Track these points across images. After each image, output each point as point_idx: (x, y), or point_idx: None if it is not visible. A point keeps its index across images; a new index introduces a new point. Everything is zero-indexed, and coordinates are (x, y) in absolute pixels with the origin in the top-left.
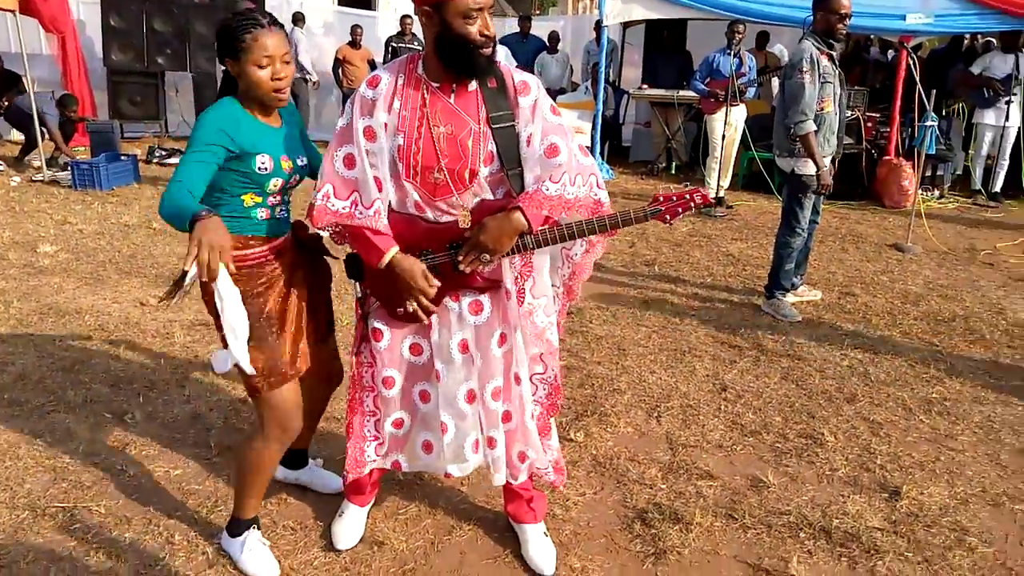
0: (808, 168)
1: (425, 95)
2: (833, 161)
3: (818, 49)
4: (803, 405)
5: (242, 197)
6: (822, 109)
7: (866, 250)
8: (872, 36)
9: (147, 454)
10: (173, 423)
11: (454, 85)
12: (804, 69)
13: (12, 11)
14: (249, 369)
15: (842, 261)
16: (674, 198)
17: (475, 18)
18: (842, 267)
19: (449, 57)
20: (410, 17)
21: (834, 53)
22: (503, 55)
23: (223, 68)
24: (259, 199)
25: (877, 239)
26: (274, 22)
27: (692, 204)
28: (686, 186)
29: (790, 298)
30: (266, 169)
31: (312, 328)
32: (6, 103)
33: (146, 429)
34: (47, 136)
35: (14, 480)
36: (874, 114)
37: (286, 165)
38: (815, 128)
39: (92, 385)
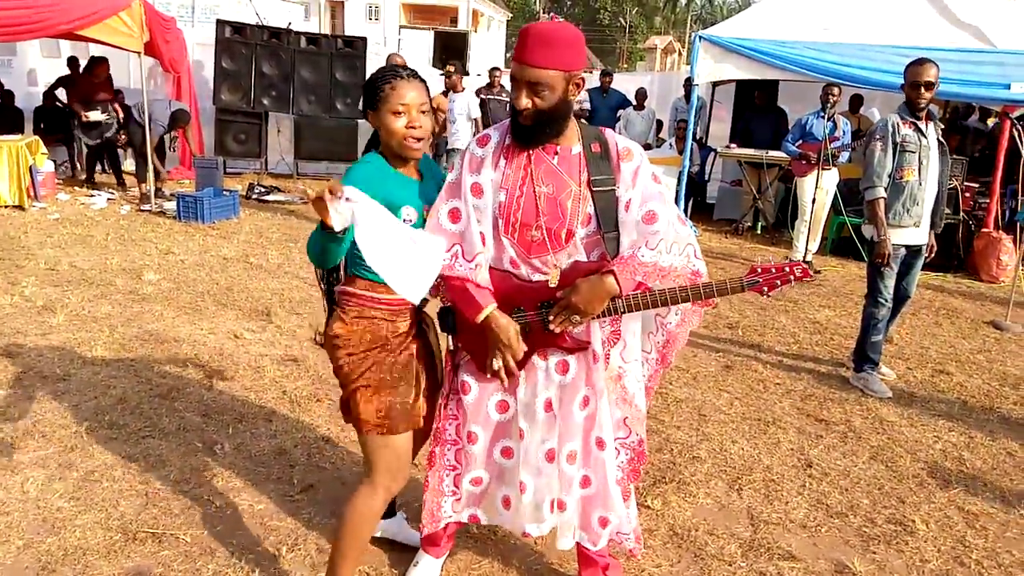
0: (891, 237)
1: (530, 155)
2: (935, 230)
3: (902, 119)
4: (893, 488)
5: None
6: (901, 177)
7: (961, 326)
8: (973, 104)
9: (232, 486)
10: (259, 457)
11: (558, 147)
12: (877, 137)
13: (138, 52)
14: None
15: (935, 336)
16: (773, 270)
17: (516, 88)
18: (935, 343)
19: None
20: (499, 69)
21: (920, 123)
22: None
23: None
24: None
25: (973, 315)
26: (414, 75)
27: (792, 278)
28: (786, 259)
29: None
30: (410, 220)
31: (427, 385)
32: (124, 138)
33: (233, 461)
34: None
35: (109, 502)
36: (972, 184)
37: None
38: (883, 195)
39: (185, 414)
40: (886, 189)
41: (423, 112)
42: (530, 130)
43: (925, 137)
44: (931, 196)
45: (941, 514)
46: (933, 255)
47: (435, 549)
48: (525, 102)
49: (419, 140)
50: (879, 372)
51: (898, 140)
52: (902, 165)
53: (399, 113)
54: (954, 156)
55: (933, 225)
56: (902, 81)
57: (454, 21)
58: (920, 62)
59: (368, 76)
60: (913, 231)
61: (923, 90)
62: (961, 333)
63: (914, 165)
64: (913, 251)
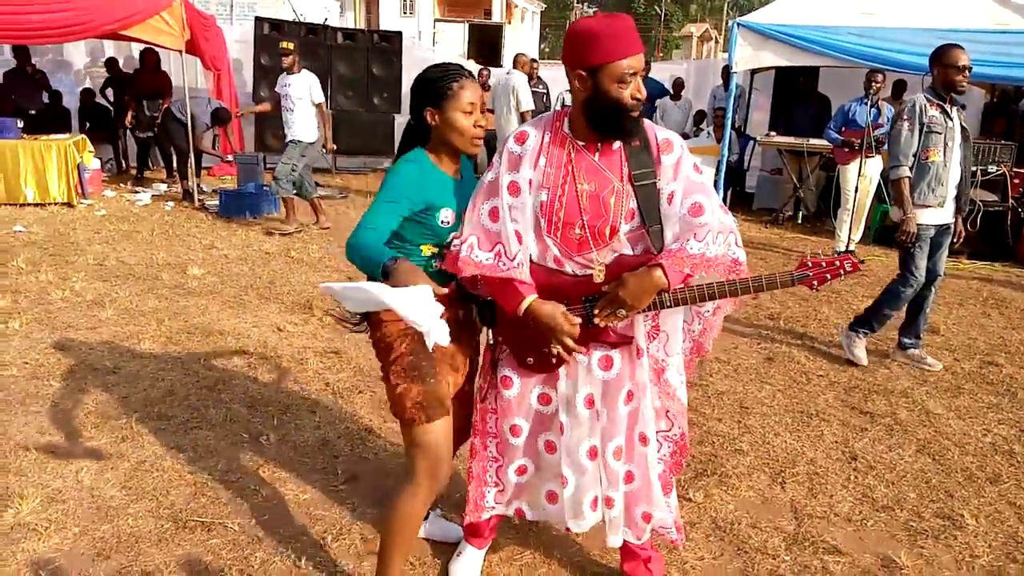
0: (918, 216)
1: (570, 153)
2: (963, 215)
3: (929, 101)
4: (940, 482)
5: (421, 247)
6: (927, 158)
7: (1010, 316)
8: (1023, 88)
9: (278, 476)
10: (303, 447)
11: (599, 143)
12: (904, 117)
13: (179, 51)
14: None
15: (984, 327)
16: (823, 264)
17: (629, 82)
18: (984, 333)
19: (599, 119)
20: (536, 61)
21: (946, 105)
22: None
23: (409, 118)
24: (436, 250)
25: (1023, 304)
26: (471, 74)
27: (842, 272)
28: (833, 250)
29: (899, 357)
30: (448, 223)
31: (461, 376)
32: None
33: (279, 452)
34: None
35: (160, 491)
36: (1021, 170)
37: None
38: (908, 175)
39: (232, 405)
40: (911, 169)
41: (483, 112)
42: (639, 119)
43: (951, 119)
44: (955, 178)
45: (991, 509)
46: (962, 240)
47: (478, 540)
48: (643, 90)
49: (481, 138)
50: (925, 363)
51: (925, 121)
52: (928, 146)
53: (468, 112)
54: (1002, 142)
55: (958, 209)
56: (928, 65)
57: (488, 14)
58: (957, 46)
59: (423, 72)
60: (938, 211)
61: (967, 73)
62: (1010, 323)
63: (940, 146)
64: (940, 230)
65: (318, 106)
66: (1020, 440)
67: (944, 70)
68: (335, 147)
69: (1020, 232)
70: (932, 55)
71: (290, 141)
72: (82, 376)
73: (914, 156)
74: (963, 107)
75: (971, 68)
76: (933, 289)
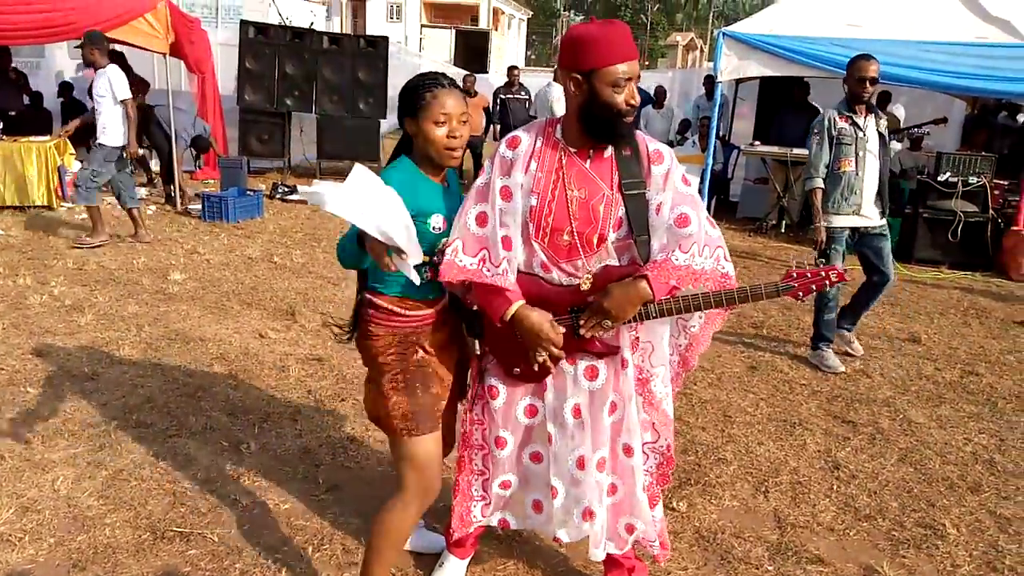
0: (831, 221)
1: (562, 158)
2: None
3: (839, 113)
4: (922, 491)
5: None
6: (839, 168)
7: (991, 326)
8: (1003, 100)
9: (259, 485)
10: (285, 456)
11: (591, 151)
12: (815, 131)
13: (163, 54)
14: (413, 271)
15: (964, 336)
16: (808, 275)
17: (623, 87)
18: (964, 343)
19: (593, 124)
20: (517, 68)
21: (857, 117)
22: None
23: (401, 128)
24: (426, 258)
25: (1003, 314)
26: (453, 84)
27: (827, 282)
28: (817, 263)
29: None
30: (438, 229)
31: (451, 390)
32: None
33: (259, 460)
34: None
35: (138, 501)
36: (1002, 181)
37: None
38: (820, 186)
39: (212, 413)
40: (825, 180)
41: (463, 122)
42: (631, 127)
43: (862, 130)
44: (871, 185)
45: (972, 518)
46: None
47: (460, 551)
48: (637, 96)
49: (457, 149)
50: (851, 347)
51: (834, 134)
52: (839, 157)
53: (441, 123)
54: (983, 154)
55: (883, 212)
56: (844, 75)
57: (475, 20)
58: (866, 57)
59: (407, 82)
60: (852, 217)
61: (868, 85)
62: (991, 333)
63: (851, 157)
64: (875, 233)
65: (123, 103)
66: (1000, 450)
67: (849, 81)
68: (138, 152)
69: (1000, 242)
70: (846, 65)
71: (96, 144)
72: (59, 382)
73: (826, 167)
74: (880, 114)
75: (876, 79)
76: (883, 291)
